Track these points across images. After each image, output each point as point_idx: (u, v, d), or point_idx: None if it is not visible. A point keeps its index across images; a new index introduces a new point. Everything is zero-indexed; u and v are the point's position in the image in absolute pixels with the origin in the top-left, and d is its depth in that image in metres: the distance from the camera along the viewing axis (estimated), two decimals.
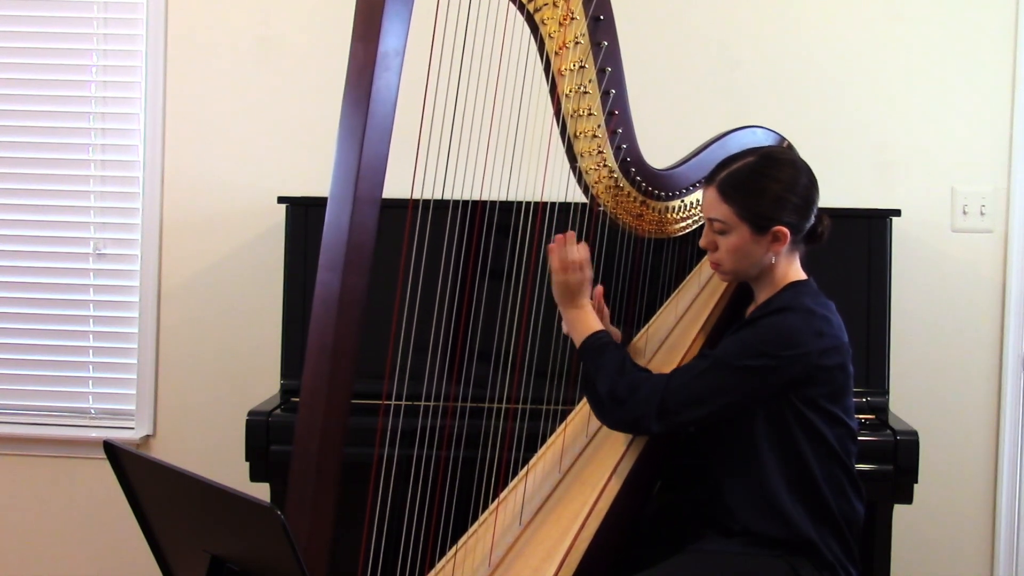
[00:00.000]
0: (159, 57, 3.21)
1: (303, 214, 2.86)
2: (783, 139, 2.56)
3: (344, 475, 1.64)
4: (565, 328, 2.24)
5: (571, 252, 2.18)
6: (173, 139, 3.23)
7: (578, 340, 2.17)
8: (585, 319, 2.19)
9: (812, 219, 2.11)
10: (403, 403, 2.06)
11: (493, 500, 2.11)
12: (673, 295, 2.53)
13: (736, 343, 2.03)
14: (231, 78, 3.22)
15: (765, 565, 2.01)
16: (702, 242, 2.15)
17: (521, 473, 2.15)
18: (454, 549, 2.02)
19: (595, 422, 2.17)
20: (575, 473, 2.11)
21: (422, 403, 2.12)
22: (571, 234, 2.18)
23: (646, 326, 2.46)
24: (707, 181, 2.13)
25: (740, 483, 2.06)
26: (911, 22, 3.09)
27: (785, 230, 2.05)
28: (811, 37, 3.11)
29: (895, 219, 2.86)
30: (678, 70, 3.13)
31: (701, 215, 2.48)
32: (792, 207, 2.06)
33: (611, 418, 2.09)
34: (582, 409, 2.25)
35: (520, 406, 2.37)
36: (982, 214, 3.09)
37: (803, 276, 2.14)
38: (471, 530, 2.06)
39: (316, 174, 3.14)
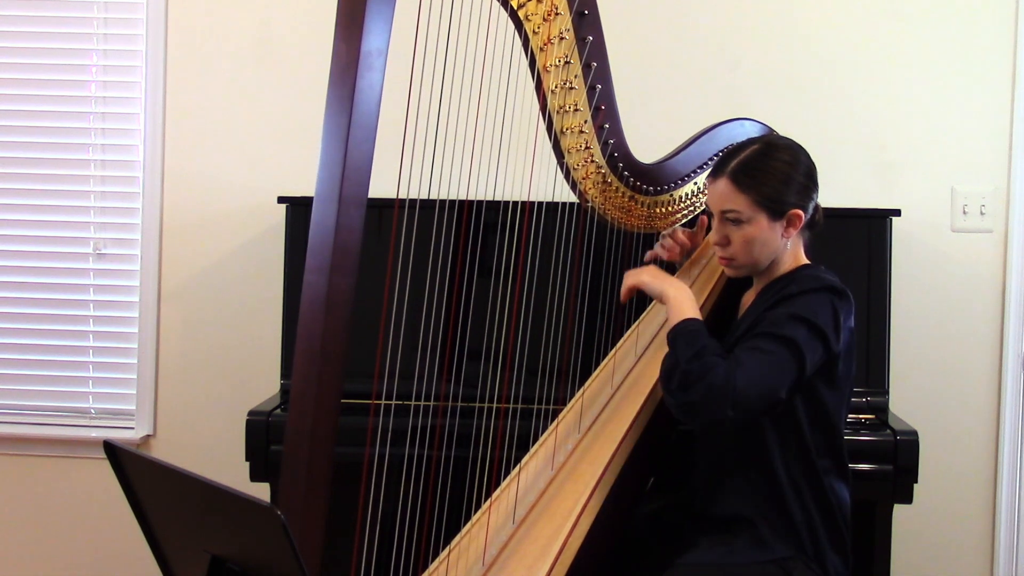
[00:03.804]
0: (159, 57, 3.22)
1: (303, 214, 2.86)
2: (770, 130, 2.56)
3: (335, 475, 1.64)
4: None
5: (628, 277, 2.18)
6: (173, 139, 3.24)
7: (670, 324, 2.06)
8: (679, 303, 2.08)
9: (815, 199, 2.12)
10: (393, 402, 2.05)
11: (486, 499, 2.10)
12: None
13: (784, 317, 1.98)
14: (231, 78, 3.22)
15: (757, 574, 2.00)
16: (713, 238, 2.12)
17: (514, 472, 2.14)
18: (447, 549, 2.02)
19: (587, 419, 2.16)
20: (568, 470, 2.09)
21: (412, 403, 2.11)
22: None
23: (636, 323, 2.44)
24: (715, 174, 2.10)
25: (739, 469, 2.06)
26: (911, 22, 3.08)
27: (799, 212, 2.07)
28: (811, 37, 3.11)
29: (895, 219, 2.86)
30: (678, 70, 3.13)
31: (690, 209, 2.47)
32: (799, 186, 2.07)
33: (678, 398, 1.94)
34: (574, 406, 2.25)
35: (511, 405, 2.37)
36: (982, 214, 3.07)
37: (808, 262, 2.15)
38: (464, 530, 2.05)
39: (316, 174, 3.13)
